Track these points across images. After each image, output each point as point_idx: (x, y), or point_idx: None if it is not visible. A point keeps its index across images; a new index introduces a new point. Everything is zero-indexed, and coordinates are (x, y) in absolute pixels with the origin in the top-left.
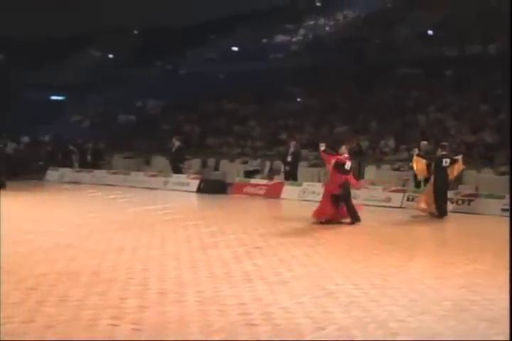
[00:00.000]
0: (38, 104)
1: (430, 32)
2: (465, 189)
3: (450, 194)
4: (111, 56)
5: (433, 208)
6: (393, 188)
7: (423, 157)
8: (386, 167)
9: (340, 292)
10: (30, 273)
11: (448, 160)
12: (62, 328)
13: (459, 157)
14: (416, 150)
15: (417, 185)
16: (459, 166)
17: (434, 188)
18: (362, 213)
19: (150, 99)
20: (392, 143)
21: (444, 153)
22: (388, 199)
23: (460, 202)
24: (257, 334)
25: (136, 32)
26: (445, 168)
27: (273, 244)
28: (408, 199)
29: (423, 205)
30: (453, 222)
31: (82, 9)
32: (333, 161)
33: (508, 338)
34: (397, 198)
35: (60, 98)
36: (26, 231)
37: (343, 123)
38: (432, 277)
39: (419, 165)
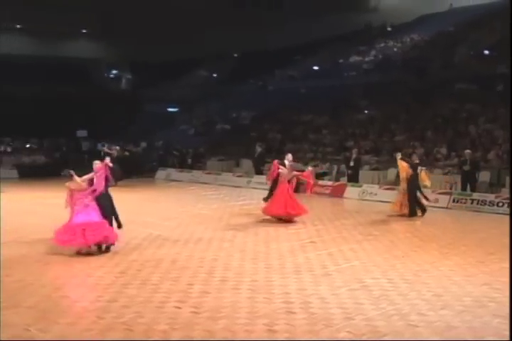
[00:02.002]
0: (156, 115)
1: (486, 52)
2: (506, 192)
3: (491, 197)
4: (215, 75)
5: (405, 209)
6: (441, 190)
7: (405, 160)
8: (437, 171)
9: (374, 285)
10: (124, 259)
11: (421, 169)
12: (137, 308)
13: (424, 168)
14: (399, 154)
15: (464, 188)
16: (428, 174)
17: (408, 190)
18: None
19: (243, 110)
20: (444, 150)
21: (417, 161)
22: (436, 201)
23: (500, 204)
24: (293, 321)
25: (235, 55)
26: (418, 174)
27: (326, 239)
28: (454, 201)
29: (396, 207)
30: (492, 222)
31: (194, 38)
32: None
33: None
34: (444, 200)
35: (174, 110)
36: (129, 222)
37: (402, 132)
38: (460, 274)
39: (402, 165)
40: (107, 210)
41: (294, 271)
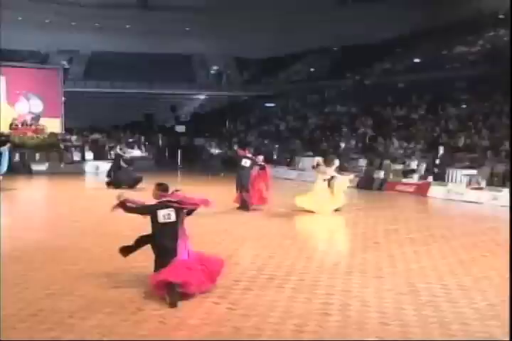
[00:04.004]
0: (254, 110)
1: None
2: None
3: None
4: (312, 70)
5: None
6: None
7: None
8: None
9: (425, 290)
10: None
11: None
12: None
13: None
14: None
15: None
16: None
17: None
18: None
19: (338, 105)
20: None
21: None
22: None
23: None
24: (325, 323)
25: (335, 48)
26: None
27: (392, 239)
28: None
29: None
30: None
31: (295, 33)
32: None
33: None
34: None
35: (271, 105)
36: (198, 216)
37: (503, 128)
38: None
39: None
40: None
41: (345, 272)
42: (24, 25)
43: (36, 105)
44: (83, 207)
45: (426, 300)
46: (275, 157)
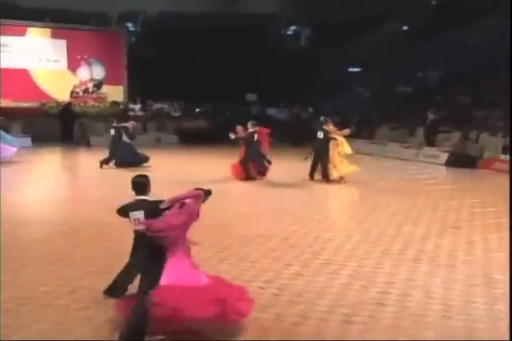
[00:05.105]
0: (336, 76)
1: None
2: None
3: None
4: (405, 28)
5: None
6: None
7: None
8: None
9: (502, 283)
10: (235, 233)
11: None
12: None
13: None
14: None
15: None
16: None
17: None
18: None
19: (432, 70)
20: None
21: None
22: None
23: None
24: (378, 314)
25: (433, 2)
26: None
27: (477, 224)
28: None
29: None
30: None
31: None
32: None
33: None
34: None
35: (356, 70)
36: (259, 194)
37: None
38: None
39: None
40: None
41: (412, 259)
42: None
43: (98, 71)
44: None
45: (500, 294)
46: (354, 128)
